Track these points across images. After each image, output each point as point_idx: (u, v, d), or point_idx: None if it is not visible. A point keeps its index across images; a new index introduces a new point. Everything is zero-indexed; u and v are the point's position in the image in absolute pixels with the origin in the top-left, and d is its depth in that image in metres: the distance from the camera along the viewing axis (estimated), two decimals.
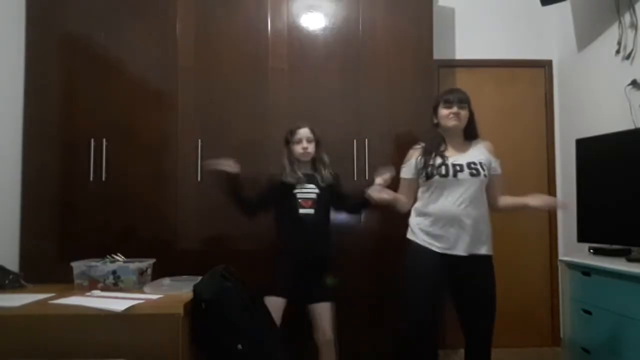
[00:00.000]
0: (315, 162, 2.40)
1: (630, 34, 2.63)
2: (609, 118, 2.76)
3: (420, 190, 2.21)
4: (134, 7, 2.84)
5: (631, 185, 2.30)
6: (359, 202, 2.36)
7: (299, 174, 2.32)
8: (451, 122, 2.14)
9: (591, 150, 2.62)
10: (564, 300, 2.56)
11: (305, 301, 2.31)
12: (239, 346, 1.99)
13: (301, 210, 2.29)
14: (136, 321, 1.84)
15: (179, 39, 2.83)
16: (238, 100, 2.81)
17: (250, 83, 2.82)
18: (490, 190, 2.19)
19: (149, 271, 2.35)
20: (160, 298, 2.01)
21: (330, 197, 2.38)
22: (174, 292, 2.11)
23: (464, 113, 2.16)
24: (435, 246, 2.10)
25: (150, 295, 2.05)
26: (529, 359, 3.16)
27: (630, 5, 2.61)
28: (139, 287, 2.19)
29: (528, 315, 3.35)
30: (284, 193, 2.32)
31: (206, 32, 2.84)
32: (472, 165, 2.11)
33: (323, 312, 2.28)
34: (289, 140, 2.39)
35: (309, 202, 2.31)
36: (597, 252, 2.49)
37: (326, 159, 2.42)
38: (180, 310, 1.85)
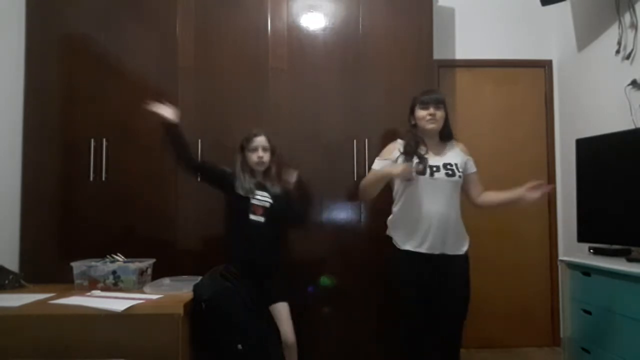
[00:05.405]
0: (268, 170, 2.36)
1: (630, 34, 2.63)
2: (609, 118, 2.76)
3: (396, 191, 2.25)
4: (134, 8, 2.84)
5: (631, 185, 2.30)
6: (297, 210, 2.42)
7: (251, 185, 2.28)
8: (429, 125, 2.20)
9: (591, 150, 2.62)
10: (564, 300, 2.56)
11: (266, 304, 2.24)
12: (239, 346, 1.99)
13: (251, 216, 2.25)
14: (136, 321, 1.84)
15: (179, 39, 2.83)
16: (238, 100, 2.81)
17: (250, 83, 2.82)
18: (470, 188, 2.28)
19: (149, 271, 2.35)
20: (160, 298, 2.01)
21: (283, 208, 2.33)
22: (174, 292, 2.11)
23: (440, 114, 2.22)
24: (420, 247, 2.14)
25: (150, 295, 2.05)
26: (529, 359, 3.16)
27: (630, 5, 2.61)
28: (139, 287, 2.19)
29: (528, 315, 3.34)
30: (238, 199, 2.27)
31: (206, 32, 2.84)
32: (449, 167, 2.17)
33: (279, 313, 2.22)
34: (244, 147, 2.33)
35: (261, 210, 2.27)
36: (597, 252, 2.49)
37: (274, 170, 2.38)
38: (180, 310, 1.86)
